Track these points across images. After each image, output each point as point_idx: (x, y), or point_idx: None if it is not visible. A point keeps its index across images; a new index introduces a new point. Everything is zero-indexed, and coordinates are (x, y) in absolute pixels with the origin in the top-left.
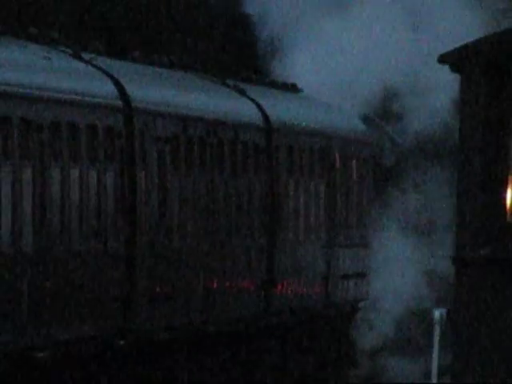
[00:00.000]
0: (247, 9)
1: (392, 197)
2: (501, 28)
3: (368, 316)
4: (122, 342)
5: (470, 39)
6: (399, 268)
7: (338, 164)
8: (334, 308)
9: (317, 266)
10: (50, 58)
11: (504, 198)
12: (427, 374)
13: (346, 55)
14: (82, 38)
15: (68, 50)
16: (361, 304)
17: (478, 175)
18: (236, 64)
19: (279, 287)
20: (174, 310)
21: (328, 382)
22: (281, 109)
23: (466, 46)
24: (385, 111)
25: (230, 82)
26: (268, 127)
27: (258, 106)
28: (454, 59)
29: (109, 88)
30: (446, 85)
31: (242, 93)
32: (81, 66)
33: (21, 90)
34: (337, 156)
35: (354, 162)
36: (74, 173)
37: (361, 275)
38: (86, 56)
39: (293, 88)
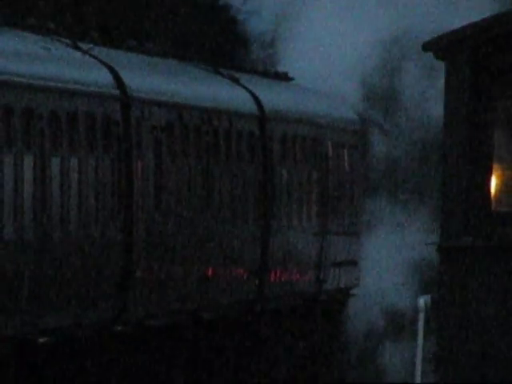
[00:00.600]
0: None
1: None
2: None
3: (358, 303)
4: (119, 328)
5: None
6: (388, 256)
7: (330, 152)
8: (326, 294)
9: (309, 254)
10: (49, 49)
11: (488, 187)
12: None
13: (335, 41)
14: (72, 30)
15: (66, 40)
16: (352, 291)
17: (462, 163)
18: (225, 53)
19: (272, 274)
20: (170, 295)
21: (319, 366)
22: (274, 97)
23: (450, 34)
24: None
25: (223, 70)
26: (262, 116)
27: (252, 95)
28: (439, 47)
29: (106, 77)
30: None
31: (236, 81)
32: (79, 55)
33: (23, 80)
34: (329, 144)
35: (346, 150)
36: (73, 161)
37: (352, 263)
38: (83, 46)
39: (285, 77)
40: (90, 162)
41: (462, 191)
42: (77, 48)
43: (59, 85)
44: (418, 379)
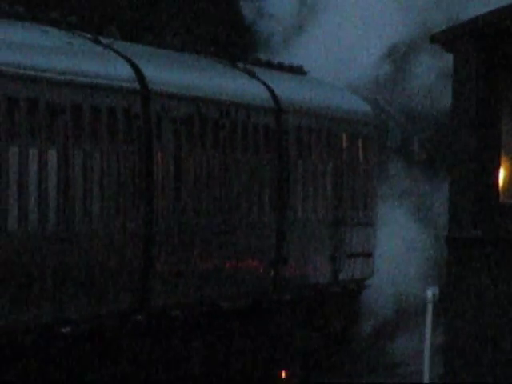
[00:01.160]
0: None
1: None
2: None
3: (371, 294)
4: (139, 317)
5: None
6: (402, 247)
7: (344, 144)
8: (341, 286)
9: (324, 245)
10: (71, 43)
11: (496, 179)
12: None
13: (348, 35)
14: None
15: (87, 35)
16: (367, 282)
17: (470, 156)
18: (240, 46)
19: (288, 265)
20: (189, 286)
21: (333, 355)
22: (290, 91)
23: (458, 26)
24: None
25: (240, 64)
26: (278, 109)
27: (268, 88)
28: (447, 38)
29: (127, 71)
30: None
31: (253, 75)
32: (100, 50)
33: (47, 75)
34: (344, 136)
35: (360, 142)
36: (96, 154)
37: (366, 254)
38: (104, 40)
39: (299, 70)
40: (112, 155)
41: (470, 183)
42: (98, 42)
43: (82, 79)
44: (427, 369)
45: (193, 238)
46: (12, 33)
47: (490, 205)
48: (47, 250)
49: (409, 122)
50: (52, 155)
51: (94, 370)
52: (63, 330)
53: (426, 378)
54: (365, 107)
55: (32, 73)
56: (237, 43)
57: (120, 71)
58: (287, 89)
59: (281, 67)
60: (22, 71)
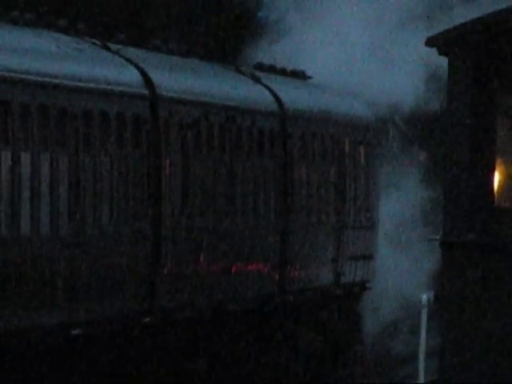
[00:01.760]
0: None
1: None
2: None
3: (372, 297)
4: (147, 320)
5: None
6: (400, 251)
7: (347, 149)
8: (343, 288)
9: (327, 248)
10: (80, 50)
11: (491, 182)
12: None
13: (351, 40)
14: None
15: (96, 41)
16: (368, 284)
17: (465, 159)
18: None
19: (292, 268)
20: (196, 288)
21: (336, 357)
22: (294, 96)
23: (453, 29)
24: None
25: (244, 69)
26: (282, 114)
27: (273, 93)
28: (442, 42)
29: (135, 77)
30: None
31: (257, 80)
32: (109, 56)
33: (57, 81)
34: (346, 141)
35: (362, 147)
36: (105, 159)
37: (368, 257)
38: (112, 46)
39: (302, 75)
40: (121, 160)
41: (465, 187)
42: (106, 48)
43: (92, 85)
44: (422, 373)
45: (200, 241)
46: (23, 40)
47: (484, 208)
48: (59, 253)
49: (410, 127)
50: (63, 161)
51: (103, 371)
52: (73, 332)
53: (421, 379)
54: (367, 112)
55: (43, 79)
56: (238, 49)
57: (128, 77)
58: (291, 94)
59: (284, 72)
60: (33, 77)
